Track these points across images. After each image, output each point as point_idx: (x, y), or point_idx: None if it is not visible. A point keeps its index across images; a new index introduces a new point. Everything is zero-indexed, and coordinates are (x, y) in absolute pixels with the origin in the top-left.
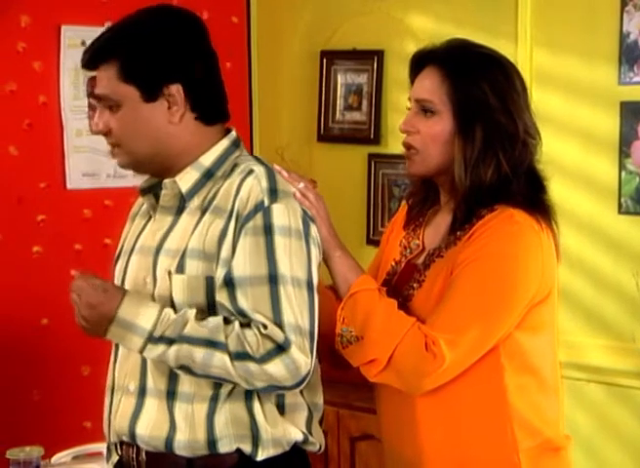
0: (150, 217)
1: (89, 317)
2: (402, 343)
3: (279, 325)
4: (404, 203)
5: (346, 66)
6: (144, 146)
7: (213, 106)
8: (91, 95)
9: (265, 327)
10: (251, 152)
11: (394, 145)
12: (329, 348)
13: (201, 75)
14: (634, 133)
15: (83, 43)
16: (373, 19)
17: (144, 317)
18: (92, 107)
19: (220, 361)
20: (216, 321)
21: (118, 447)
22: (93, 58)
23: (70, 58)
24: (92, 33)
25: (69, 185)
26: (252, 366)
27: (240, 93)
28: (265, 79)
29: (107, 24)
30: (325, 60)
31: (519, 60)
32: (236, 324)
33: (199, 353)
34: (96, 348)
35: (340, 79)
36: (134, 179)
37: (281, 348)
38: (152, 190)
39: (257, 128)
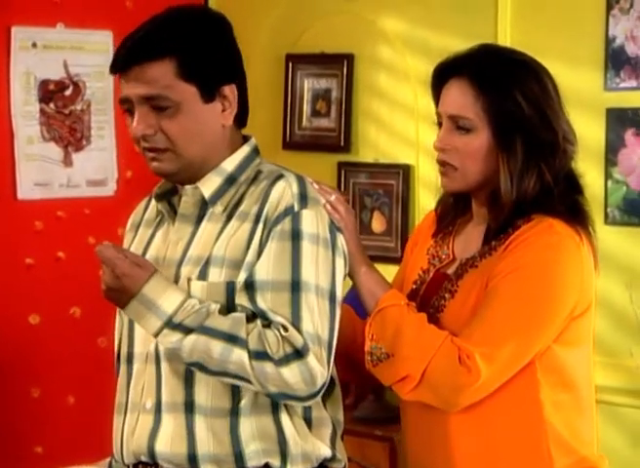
0: (158, 226)
1: (112, 286)
2: (435, 358)
3: (298, 330)
4: (427, 212)
5: (314, 71)
6: (197, 150)
7: (246, 110)
8: (124, 98)
9: (286, 329)
10: None
11: (365, 153)
12: (349, 362)
13: (243, 77)
14: (621, 140)
15: (34, 45)
16: (342, 21)
17: (168, 300)
18: (127, 111)
19: (239, 357)
20: (238, 316)
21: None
22: (140, 54)
23: (21, 60)
24: (44, 34)
25: (20, 195)
26: (269, 367)
27: None
28: None
29: (60, 25)
30: (291, 64)
31: None
32: (258, 322)
33: (217, 347)
34: (45, 369)
35: (306, 84)
36: (87, 189)
37: (299, 354)
38: (165, 197)
39: None
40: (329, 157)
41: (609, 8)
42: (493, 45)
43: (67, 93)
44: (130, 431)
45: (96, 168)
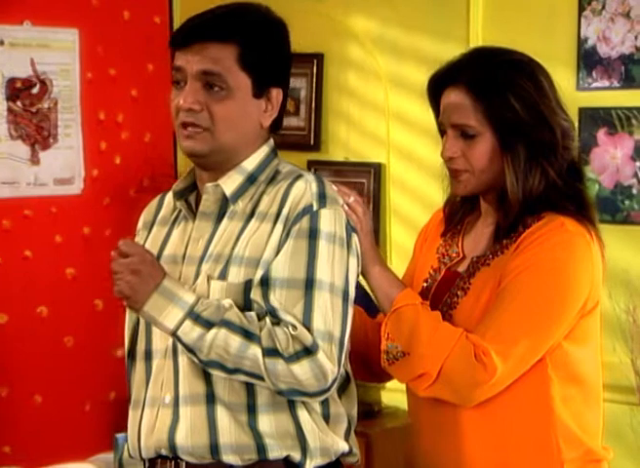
0: (174, 224)
1: (133, 283)
2: (451, 355)
3: (308, 329)
4: (435, 211)
5: None
6: (233, 139)
7: (282, 118)
8: (178, 68)
9: (295, 328)
10: (175, 162)
11: (335, 152)
12: (362, 361)
13: (288, 86)
14: (593, 139)
15: (1, 42)
16: (312, 21)
17: (186, 293)
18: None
19: (253, 354)
20: (249, 314)
21: (147, 463)
22: (208, 32)
23: None
24: (11, 32)
25: None
26: (279, 364)
27: (163, 97)
28: None
29: (27, 23)
30: None
31: None
32: (267, 320)
33: (235, 341)
34: (13, 368)
35: None
36: (54, 188)
37: (308, 351)
38: (183, 195)
39: None
40: (298, 156)
41: (581, 9)
42: (486, 48)
43: (34, 91)
44: (149, 426)
45: (62, 166)
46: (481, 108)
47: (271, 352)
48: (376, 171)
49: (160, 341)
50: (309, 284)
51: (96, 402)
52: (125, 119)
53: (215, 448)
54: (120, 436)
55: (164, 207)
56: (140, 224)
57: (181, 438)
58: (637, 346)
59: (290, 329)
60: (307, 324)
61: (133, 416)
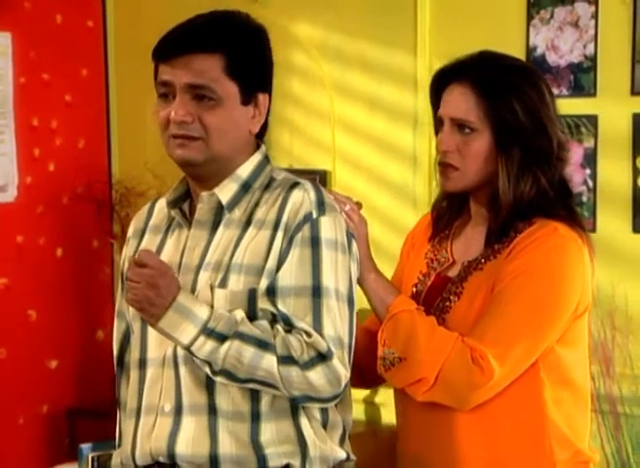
0: (168, 233)
1: (151, 297)
2: (449, 359)
3: (321, 335)
4: (422, 216)
5: None
6: (225, 147)
7: (267, 123)
8: (165, 82)
9: (309, 335)
10: (110, 169)
11: (280, 159)
12: (355, 366)
13: (271, 91)
14: None
15: None
16: None
17: (200, 308)
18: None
19: (268, 363)
20: (262, 323)
21: None
22: (194, 44)
23: None
24: None
25: None
26: (294, 371)
27: (97, 102)
28: (126, 87)
29: None
30: None
31: (418, 73)
32: (279, 327)
33: (248, 352)
34: None
35: None
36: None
37: (323, 357)
38: (177, 204)
39: (116, 140)
40: None
41: (529, 18)
42: (493, 52)
43: None
44: (146, 433)
45: None
46: (483, 106)
47: (286, 359)
48: (321, 178)
49: (156, 350)
50: (316, 291)
51: (29, 415)
52: (59, 125)
53: (214, 458)
54: (84, 446)
55: (155, 214)
56: (130, 232)
57: (182, 447)
58: (591, 352)
59: (304, 336)
60: (319, 330)
61: (127, 425)
